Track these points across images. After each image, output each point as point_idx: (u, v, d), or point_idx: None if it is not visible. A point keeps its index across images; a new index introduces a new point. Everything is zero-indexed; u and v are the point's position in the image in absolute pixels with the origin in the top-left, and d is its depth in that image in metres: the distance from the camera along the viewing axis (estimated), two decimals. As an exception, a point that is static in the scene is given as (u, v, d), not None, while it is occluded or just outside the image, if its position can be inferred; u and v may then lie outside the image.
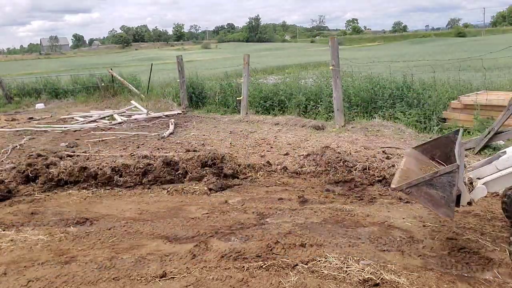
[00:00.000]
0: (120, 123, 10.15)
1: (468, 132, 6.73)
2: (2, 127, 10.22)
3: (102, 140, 8.15)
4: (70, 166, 5.44)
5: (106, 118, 10.97)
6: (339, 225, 3.70)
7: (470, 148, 5.37)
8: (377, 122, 7.70)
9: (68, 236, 3.71)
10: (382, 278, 2.74)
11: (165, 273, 2.92)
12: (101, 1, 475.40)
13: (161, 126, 9.53)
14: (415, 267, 2.90)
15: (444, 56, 21.26)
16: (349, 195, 4.59)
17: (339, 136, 7.26)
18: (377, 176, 5.04)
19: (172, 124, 9.28)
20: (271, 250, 3.22)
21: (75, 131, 9.46)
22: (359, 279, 2.73)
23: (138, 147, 7.40)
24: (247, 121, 9.26)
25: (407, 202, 4.31)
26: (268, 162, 5.95)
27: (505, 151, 3.25)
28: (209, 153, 5.79)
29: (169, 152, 6.81)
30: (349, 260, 2.98)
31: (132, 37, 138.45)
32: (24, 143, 8.18)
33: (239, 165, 5.68)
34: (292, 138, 7.44)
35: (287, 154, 6.42)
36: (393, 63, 9.51)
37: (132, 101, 12.53)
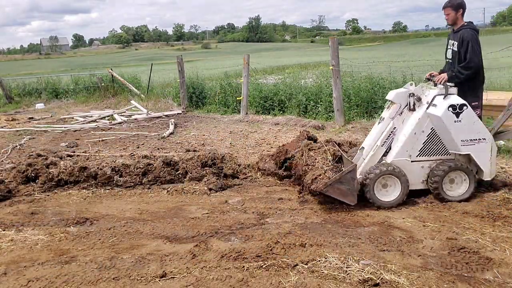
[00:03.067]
0: (120, 123, 10.15)
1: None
2: (2, 127, 10.22)
3: (102, 140, 8.15)
4: (70, 166, 5.44)
5: (106, 118, 10.98)
6: (339, 225, 3.70)
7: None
8: (377, 122, 7.70)
9: (68, 236, 3.71)
10: (382, 278, 2.74)
11: (165, 273, 2.92)
12: (100, 1, 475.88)
13: (161, 126, 9.53)
14: (415, 267, 2.90)
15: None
16: (349, 195, 4.59)
17: (339, 136, 7.25)
18: (377, 176, 5.03)
19: (172, 124, 9.28)
20: (271, 250, 3.21)
21: (75, 131, 9.46)
22: (359, 279, 2.73)
23: (138, 147, 7.40)
24: (247, 121, 9.26)
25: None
26: (268, 162, 5.95)
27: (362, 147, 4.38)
28: (209, 153, 5.79)
29: (169, 152, 6.81)
30: (349, 260, 2.98)
31: (132, 37, 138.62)
32: (24, 143, 8.18)
33: (239, 165, 5.68)
34: (292, 138, 7.42)
35: (287, 154, 6.42)
36: (393, 63, 9.51)
37: (132, 101, 12.54)
